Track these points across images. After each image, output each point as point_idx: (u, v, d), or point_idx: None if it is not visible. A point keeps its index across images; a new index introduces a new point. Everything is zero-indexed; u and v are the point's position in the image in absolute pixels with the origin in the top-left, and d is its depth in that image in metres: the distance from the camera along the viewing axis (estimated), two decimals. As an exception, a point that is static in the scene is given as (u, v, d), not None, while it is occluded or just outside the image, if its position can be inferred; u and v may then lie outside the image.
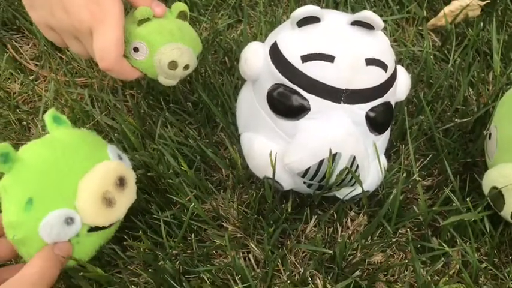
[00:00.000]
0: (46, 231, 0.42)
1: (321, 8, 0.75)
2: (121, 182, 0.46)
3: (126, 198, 0.47)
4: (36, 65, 0.74)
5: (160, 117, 0.62)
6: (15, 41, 0.77)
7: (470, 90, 0.67)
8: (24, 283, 0.40)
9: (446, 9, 0.75)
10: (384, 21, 0.77)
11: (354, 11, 0.79)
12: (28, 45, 0.77)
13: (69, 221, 0.43)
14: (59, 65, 0.73)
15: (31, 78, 0.72)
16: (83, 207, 0.43)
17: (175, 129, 0.62)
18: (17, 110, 0.68)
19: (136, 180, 0.49)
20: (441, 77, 0.66)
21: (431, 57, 0.70)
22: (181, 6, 0.55)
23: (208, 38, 0.73)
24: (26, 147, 0.45)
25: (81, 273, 0.46)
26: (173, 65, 0.52)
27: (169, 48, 0.52)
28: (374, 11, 0.79)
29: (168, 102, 0.64)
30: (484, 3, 0.76)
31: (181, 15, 0.56)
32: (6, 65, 0.72)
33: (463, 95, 0.64)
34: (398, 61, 0.71)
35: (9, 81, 0.72)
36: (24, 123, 0.66)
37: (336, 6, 0.80)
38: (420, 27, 0.77)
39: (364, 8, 0.79)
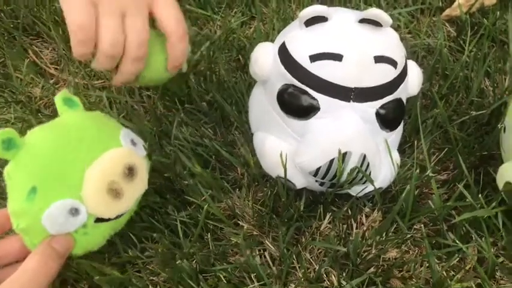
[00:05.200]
0: (49, 222, 0.41)
1: (334, 3, 0.75)
2: (130, 172, 0.44)
3: (135, 188, 0.45)
4: (56, 69, 0.76)
5: (176, 118, 0.62)
6: (36, 46, 0.79)
7: (487, 81, 0.66)
8: (20, 281, 0.40)
9: (462, -2, 0.74)
10: (398, 13, 0.76)
11: (367, 3, 0.78)
12: (48, 49, 0.79)
13: (74, 211, 0.41)
14: (77, 68, 0.74)
15: (51, 82, 0.74)
16: (88, 198, 0.41)
17: (190, 129, 0.63)
18: (39, 114, 0.69)
19: (152, 180, 0.48)
20: (456, 68, 0.65)
21: (446, 48, 0.70)
22: None
23: (221, 36, 0.74)
24: (33, 131, 0.43)
25: (97, 278, 0.47)
26: None
27: None
28: (388, 3, 0.78)
29: (183, 102, 0.65)
30: (501, -9, 0.74)
31: None
32: (28, 70, 0.74)
33: (479, 87, 0.63)
34: (413, 53, 0.70)
35: (31, 85, 0.74)
36: (46, 126, 0.68)
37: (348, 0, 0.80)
38: (435, 18, 0.76)
39: (379, 1, 0.78)
